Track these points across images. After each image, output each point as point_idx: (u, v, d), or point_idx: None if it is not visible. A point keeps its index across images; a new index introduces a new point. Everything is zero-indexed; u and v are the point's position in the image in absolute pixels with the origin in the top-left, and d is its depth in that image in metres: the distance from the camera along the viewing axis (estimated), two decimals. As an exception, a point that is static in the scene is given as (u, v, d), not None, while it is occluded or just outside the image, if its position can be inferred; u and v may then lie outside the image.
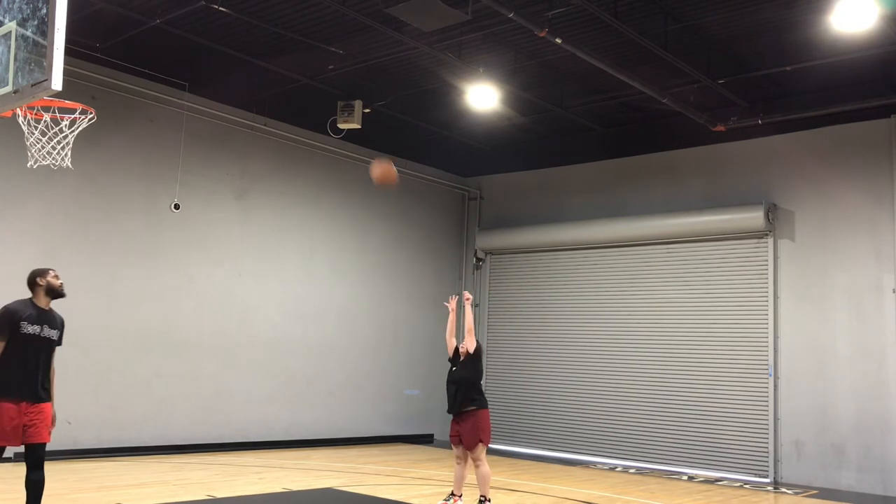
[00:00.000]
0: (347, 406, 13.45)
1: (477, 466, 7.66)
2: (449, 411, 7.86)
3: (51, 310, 5.84)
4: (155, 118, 11.23)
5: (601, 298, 13.55)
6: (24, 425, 5.50)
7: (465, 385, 7.70)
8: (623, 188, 13.60)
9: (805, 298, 11.45)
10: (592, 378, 13.43)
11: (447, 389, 7.88)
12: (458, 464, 7.85)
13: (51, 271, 5.86)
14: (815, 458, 11.07)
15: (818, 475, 10.99)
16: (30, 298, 5.78)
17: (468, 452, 7.70)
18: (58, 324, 5.89)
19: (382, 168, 6.70)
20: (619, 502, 9.04)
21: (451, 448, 8.02)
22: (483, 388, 7.99)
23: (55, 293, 5.85)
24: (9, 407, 5.46)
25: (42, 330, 5.70)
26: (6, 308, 5.65)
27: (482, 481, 7.64)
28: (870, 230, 11.02)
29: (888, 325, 10.69)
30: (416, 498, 8.52)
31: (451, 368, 7.92)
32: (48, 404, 5.70)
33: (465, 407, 7.66)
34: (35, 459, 5.59)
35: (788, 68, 10.38)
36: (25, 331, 5.59)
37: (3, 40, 4.46)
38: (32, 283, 5.81)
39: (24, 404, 5.51)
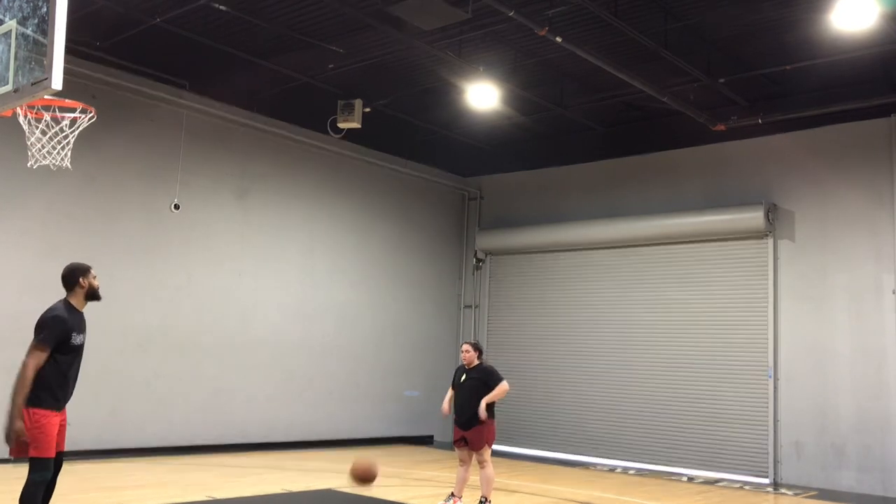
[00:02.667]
0: (347, 406, 13.43)
1: (482, 467, 7.65)
2: (458, 423, 7.81)
3: (83, 312, 5.36)
4: (155, 118, 11.22)
5: (601, 299, 13.54)
6: (60, 434, 5.36)
7: (476, 401, 7.61)
8: (623, 188, 13.59)
9: (805, 298, 11.44)
10: (592, 379, 13.42)
11: (456, 399, 7.80)
12: (460, 466, 7.84)
13: (92, 270, 5.31)
14: (815, 458, 11.06)
15: (818, 475, 10.98)
16: (66, 300, 5.26)
17: (473, 454, 7.69)
18: (85, 327, 5.41)
19: (362, 473, 6.29)
20: (619, 503, 9.03)
21: (451, 449, 8.00)
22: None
23: (94, 296, 5.32)
24: (55, 416, 5.20)
25: (83, 339, 5.28)
26: (58, 317, 5.11)
27: (486, 482, 7.64)
28: (870, 230, 11.01)
29: (888, 325, 10.68)
30: (416, 499, 8.51)
31: (461, 379, 7.82)
32: None
33: (475, 424, 7.63)
34: (58, 465, 5.44)
35: (788, 68, 10.38)
36: (75, 342, 5.15)
37: (3, 39, 4.45)
38: (73, 281, 5.24)
39: (60, 413, 5.29)
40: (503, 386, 7.70)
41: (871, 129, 11.14)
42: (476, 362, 7.84)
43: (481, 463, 7.63)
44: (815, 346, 11.27)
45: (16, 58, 4.35)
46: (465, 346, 7.92)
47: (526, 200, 14.93)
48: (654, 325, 12.81)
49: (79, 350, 5.27)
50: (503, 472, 10.76)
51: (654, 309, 12.85)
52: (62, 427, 5.41)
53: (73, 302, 5.27)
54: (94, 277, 5.33)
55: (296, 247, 12.89)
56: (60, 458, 5.47)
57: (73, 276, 5.25)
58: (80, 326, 5.26)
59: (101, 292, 5.42)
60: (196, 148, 11.60)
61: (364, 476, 6.20)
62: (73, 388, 5.42)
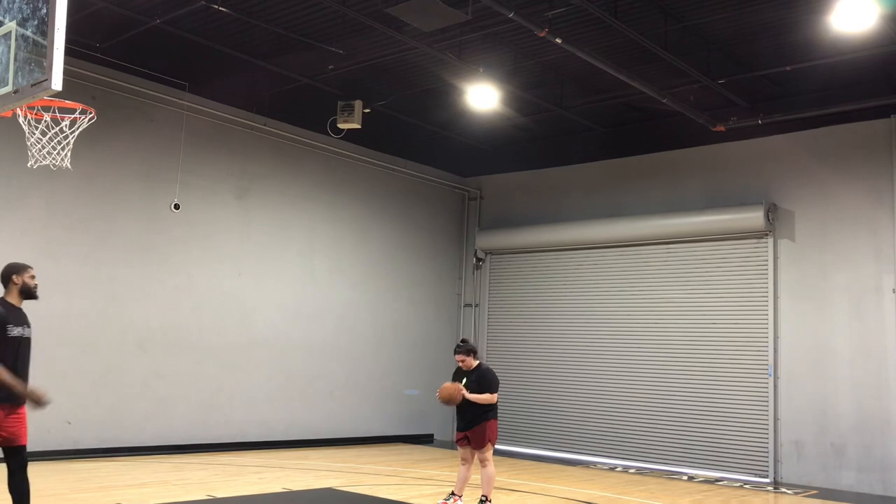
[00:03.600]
0: (347, 406, 13.45)
1: (484, 466, 7.65)
2: (460, 426, 7.80)
3: (21, 308, 5.58)
4: (155, 118, 11.23)
5: (601, 299, 13.55)
6: (4, 428, 5.29)
7: (476, 404, 7.58)
8: (623, 188, 13.60)
9: (805, 298, 11.45)
10: (592, 378, 13.43)
11: (458, 403, 7.76)
12: (462, 465, 7.83)
13: (29, 269, 5.61)
14: (815, 458, 11.07)
15: (818, 475, 10.99)
16: (2, 298, 5.52)
17: (475, 452, 7.69)
18: (28, 321, 5.62)
19: (449, 393, 7.63)
20: (619, 502, 9.04)
21: (452, 448, 7.99)
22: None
23: (29, 294, 5.58)
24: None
25: (24, 331, 5.45)
26: None
27: (487, 481, 7.63)
28: (870, 230, 11.02)
29: (888, 325, 10.69)
30: (416, 498, 8.52)
31: (462, 382, 7.74)
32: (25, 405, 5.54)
33: (476, 424, 7.63)
34: (20, 462, 5.39)
35: (788, 68, 10.38)
36: (11, 334, 5.34)
37: (3, 40, 4.46)
38: (6, 279, 5.55)
39: (8, 407, 5.29)
40: (491, 398, 7.62)
41: (871, 129, 11.14)
42: (474, 364, 7.78)
43: (483, 461, 7.63)
44: (815, 345, 11.28)
45: (16, 59, 4.36)
46: (459, 357, 7.76)
47: (526, 200, 14.94)
48: (655, 324, 12.82)
49: (16, 342, 5.39)
50: (503, 471, 10.76)
51: (654, 308, 12.86)
52: (13, 425, 5.36)
53: (9, 299, 5.53)
54: (32, 277, 5.62)
55: (296, 247, 12.90)
56: (19, 454, 5.42)
57: (7, 274, 5.58)
58: (19, 320, 5.47)
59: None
60: (196, 148, 11.61)
61: (450, 400, 7.59)
62: (26, 384, 5.48)
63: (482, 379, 7.66)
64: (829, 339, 11.19)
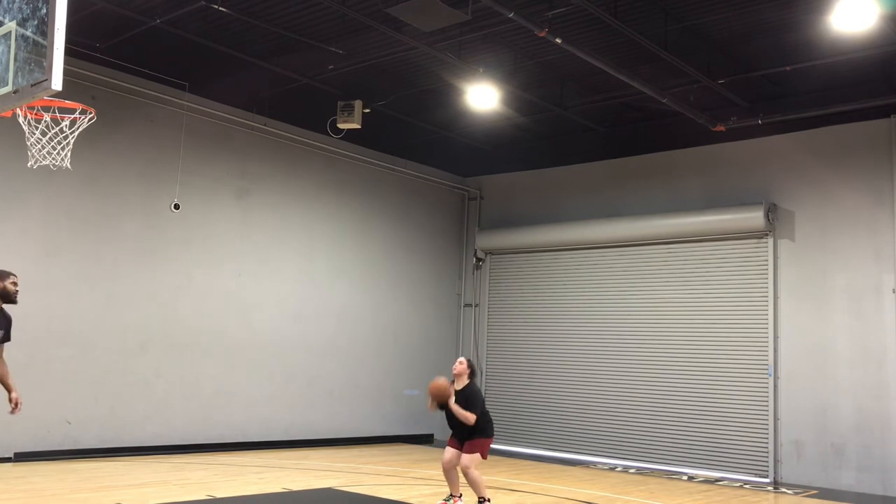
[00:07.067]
0: (347, 406, 13.45)
1: (467, 473, 7.58)
2: (454, 436, 7.81)
3: (2, 308, 5.97)
4: (155, 118, 11.23)
5: (601, 298, 13.55)
6: None
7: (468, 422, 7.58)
8: (623, 188, 13.60)
9: (805, 298, 11.45)
10: (592, 378, 13.43)
11: (450, 420, 7.78)
12: (445, 469, 7.82)
13: (11, 276, 5.98)
14: (815, 458, 11.07)
15: (818, 475, 10.99)
16: None
17: (460, 457, 7.65)
18: (6, 322, 5.98)
19: (438, 388, 7.71)
20: (619, 502, 9.04)
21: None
22: (487, 414, 7.82)
23: (8, 299, 5.96)
24: None
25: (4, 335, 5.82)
26: None
27: (475, 486, 7.56)
28: (870, 230, 11.02)
29: (888, 325, 10.69)
30: (416, 498, 8.52)
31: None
32: None
33: (473, 438, 7.62)
34: None
35: (788, 68, 10.37)
36: None
37: (3, 40, 4.46)
38: None
39: None
40: (471, 417, 7.56)
41: (871, 129, 11.14)
42: (466, 381, 7.80)
43: (465, 469, 7.55)
44: (815, 345, 11.27)
45: (15, 59, 4.36)
46: (461, 359, 7.86)
47: (526, 200, 14.94)
48: (655, 324, 12.82)
49: None
50: (503, 470, 10.77)
51: (655, 308, 12.86)
52: None
53: None
54: (14, 283, 6.01)
55: (296, 247, 12.90)
56: None
57: None
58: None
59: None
60: (196, 148, 11.61)
61: (439, 395, 7.65)
62: None
63: (470, 399, 7.66)
64: (829, 339, 11.18)
